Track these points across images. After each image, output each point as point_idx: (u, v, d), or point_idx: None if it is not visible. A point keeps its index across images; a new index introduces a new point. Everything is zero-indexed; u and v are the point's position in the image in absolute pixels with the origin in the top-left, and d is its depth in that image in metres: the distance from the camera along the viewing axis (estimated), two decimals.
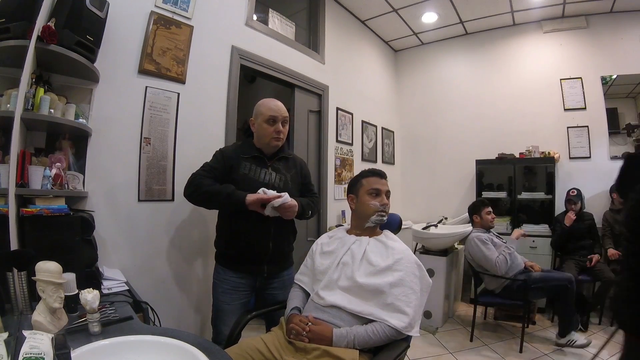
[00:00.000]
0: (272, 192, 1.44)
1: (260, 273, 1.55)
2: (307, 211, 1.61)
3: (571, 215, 3.07)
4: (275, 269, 1.59)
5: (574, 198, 3.17)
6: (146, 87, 1.91)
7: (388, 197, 1.37)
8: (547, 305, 3.18)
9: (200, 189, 1.48)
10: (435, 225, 3.42)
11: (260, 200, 1.42)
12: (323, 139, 3.22)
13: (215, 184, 1.48)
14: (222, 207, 1.58)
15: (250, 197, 1.42)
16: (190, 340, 0.86)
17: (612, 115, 3.49)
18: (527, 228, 3.50)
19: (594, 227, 3.19)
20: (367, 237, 1.36)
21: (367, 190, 1.37)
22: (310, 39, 3.32)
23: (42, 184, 1.36)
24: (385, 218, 1.36)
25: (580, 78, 3.60)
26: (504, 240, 2.81)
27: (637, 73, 3.36)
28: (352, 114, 3.65)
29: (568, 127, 3.62)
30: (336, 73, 3.44)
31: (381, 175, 1.40)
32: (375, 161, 4.06)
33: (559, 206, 3.36)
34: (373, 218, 1.35)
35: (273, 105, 1.57)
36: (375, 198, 1.35)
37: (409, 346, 1.22)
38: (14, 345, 0.68)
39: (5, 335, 0.77)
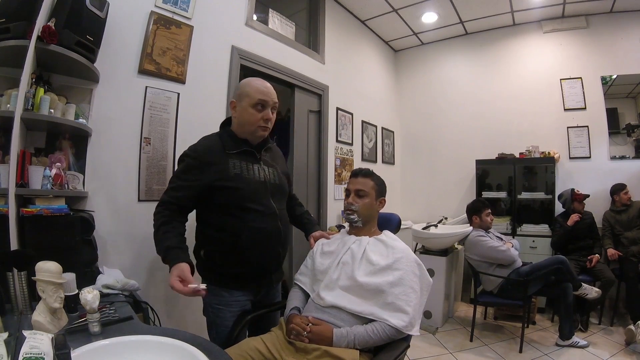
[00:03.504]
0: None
1: (265, 284, 1.40)
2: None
3: (575, 217, 3.07)
4: (279, 275, 1.48)
5: (583, 197, 3.15)
6: (146, 87, 1.91)
7: (361, 196, 1.36)
8: (547, 305, 3.18)
9: (156, 233, 1.21)
10: (435, 225, 3.42)
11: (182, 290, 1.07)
12: (323, 139, 3.22)
13: (162, 230, 1.19)
14: None
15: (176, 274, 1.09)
16: (190, 340, 0.86)
17: (612, 115, 3.49)
18: (527, 228, 3.51)
19: (593, 225, 3.19)
20: (367, 236, 1.36)
21: (345, 190, 1.45)
22: (310, 39, 3.32)
23: (42, 184, 1.36)
24: (352, 216, 1.36)
25: (580, 78, 3.60)
26: (504, 241, 2.81)
27: (637, 73, 3.36)
28: (352, 114, 3.65)
29: (568, 127, 3.62)
30: (336, 73, 3.44)
31: (355, 174, 1.42)
32: (375, 161, 4.06)
33: (559, 206, 3.35)
34: (344, 217, 1.42)
35: (262, 86, 1.31)
36: (347, 198, 1.40)
37: (409, 346, 1.22)
38: (14, 345, 0.68)
39: (5, 335, 0.77)
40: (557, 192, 3.39)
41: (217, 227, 1.28)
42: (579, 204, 3.15)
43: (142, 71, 1.89)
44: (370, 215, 1.39)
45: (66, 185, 1.48)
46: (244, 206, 1.26)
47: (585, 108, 3.58)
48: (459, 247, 3.34)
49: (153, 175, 1.93)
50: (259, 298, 1.40)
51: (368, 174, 1.41)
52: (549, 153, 3.55)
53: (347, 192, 1.41)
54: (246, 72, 2.62)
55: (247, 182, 1.28)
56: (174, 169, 2.01)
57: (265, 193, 1.32)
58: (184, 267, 1.11)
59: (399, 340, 1.17)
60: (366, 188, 1.37)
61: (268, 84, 1.34)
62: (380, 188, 1.42)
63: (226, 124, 1.43)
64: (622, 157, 3.44)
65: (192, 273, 1.25)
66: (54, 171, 1.41)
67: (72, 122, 1.52)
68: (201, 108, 2.18)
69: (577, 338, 2.49)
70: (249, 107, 1.29)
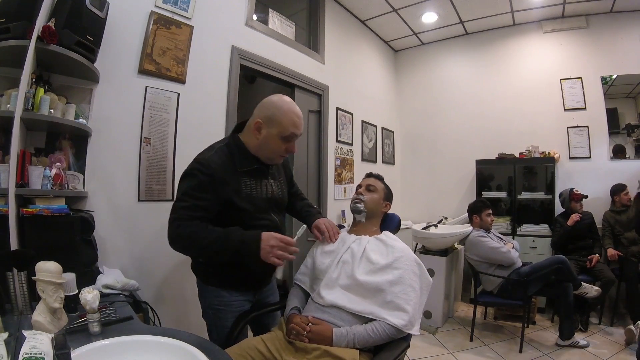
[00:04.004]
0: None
1: (261, 285, 1.42)
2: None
3: (575, 217, 3.07)
4: (271, 277, 1.50)
5: (580, 197, 3.15)
6: (146, 87, 1.91)
7: (371, 190, 1.46)
8: (547, 305, 3.18)
9: (197, 243, 1.10)
10: (435, 225, 3.42)
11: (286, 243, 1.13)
12: (323, 139, 3.22)
13: (211, 231, 1.11)
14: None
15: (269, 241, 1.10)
16: (190, 340, 0.86)
17: (612, 115, 3.49)
18: (527, 228, 3.51)
19: (593, 225, 3.19)
20: (367, 236, 1.37)
21: (357, 186, 1.54)
22: (310, 39, 3.32)
23: (42, 184, 1.36)
24: (359, 205, 1.43)
25: (580, 78, 3.60)
26: (504, 242, 2.82)
27: (637, 73, 3.36)
28: (352, 114, 3.65)
29: (568, 127, 3.62)
30: (336, 73, 3.44)
31: (369, 175, 1.54)
32: (375, 161, 4.06)
33: (559, 206, 3.35)
34: (350, 206, 1.47)
35: (297, 117, 1.23)
36: (357, 190, 1.50)
37: (409, 346, 1.22)
38: (14, 345, 0.68)
39: (5, 335, 0.77)
40: (557, 192, 3.40)
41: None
42: (577, 203, 3.15)
43: (142, 71, 1.89)
44: (375, 211, 1.44)
45: (66, 185, 1.48)
46: (250, 224, 1.21)
47: (585, 108, 3.58)
48: (459, 247, 3.34)
49: (153, 175, 1.93)
50: (257, 298, 1.41)
51: (380, 177, 1.54)
52: (549, 153, 3.55)
53: (358, 186, 1.51)
54: (246, 72, 2.63)
55: (255, 201, 1.24)
56: (174, 169, 2.02)
57: (269, 208, 1.31)
58: (272, 232, 1.14)
59: (399, 340, 1.16)
60: (377, 186, 1.47)
61: (300, 113, 1.26)
62: (388, 193, 1.51)
63: (237, 129, 1.31)
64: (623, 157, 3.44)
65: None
66: (54, 171, 1.41)
67: (72, 122, 1.52)
68: (201, 108, 2.18)
69: (577, 338, 2.50)
70: (277, 137, 1.21)
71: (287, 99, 1.25)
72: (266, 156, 1.26)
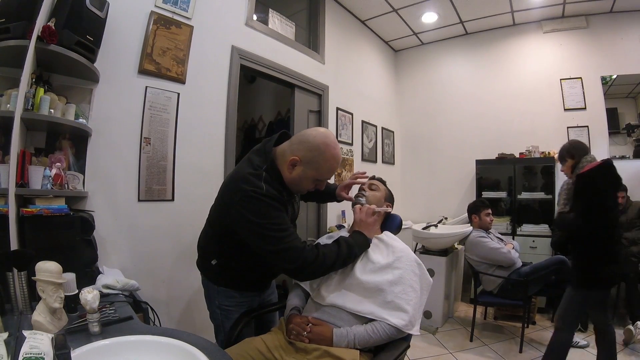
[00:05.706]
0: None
1: (269, 284, 1.48)
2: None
3: None
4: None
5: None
6: (146, 87, 1.91)
7: (372, 188, 1.49)
8: (547, 305, 3.18)
9: (328, 261, 1.17)
10: (435, 225, 3.42)
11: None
12: None
13: (329, 251, 1.19)
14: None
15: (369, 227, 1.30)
16: (190, 340, 0.86)
17: (612, 115, 3.49)
18: (527, 228, 3.51)
19: None
20: None
21: None
22: (310, 39, 3.32)
23: (42, 184, 1.36)
24: (362, 199, 1.44)
25: (580, 78, 3.60)
26: (504, 242, 2.81)
27: (637, 73, 3.36)
28: (352, 114, 3.65)
29: (568, 127, 3.62)
30: (336, 73, 3.44)
31: (372, 177, 1.58)
32: (375, 161, 4.06)
33: None
34: (354, 197, 1.51)
35: (337, 164, 1.22)
36: (360, 188, 1.54)
37: (409, 346, 1.22)
38: (14, 345, 0.68)
39: (5, 335, 0.77)
40: (557, 192, 3.39)
41: (241, 254, 1.23)
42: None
43: (142, 71, 1.89)
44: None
45: (66, 185, 1.48)
46: None
47: (585, 108, 3.58)
48: (459, 247, 3.34)
49: (153, 175, 1.93)
50: (262, 297, 1.45)
51: (383, 180, 1.57)
52: (549, 153, 3.55)
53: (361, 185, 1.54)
54: (246, 72, 2.63)
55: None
56: (174, 169, 2.02)
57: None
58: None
59: (399, 340, 1.16)
60: (379, 186, 1.50)
61: (340, 156, 1.24)
62: (390, 196, 1.52)
63: (274, 142, 1.24)
64: (622, 157, 3.44)
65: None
66: (54, 171, 1.41)
67: (72, 122, 1.52)
68: (201, 108, 2.18)
69: (577, 338, 2.49)
70: (311, 179, 1.20)
71: (331, 141, 1.19)
72: (294, 189, 1.25)
